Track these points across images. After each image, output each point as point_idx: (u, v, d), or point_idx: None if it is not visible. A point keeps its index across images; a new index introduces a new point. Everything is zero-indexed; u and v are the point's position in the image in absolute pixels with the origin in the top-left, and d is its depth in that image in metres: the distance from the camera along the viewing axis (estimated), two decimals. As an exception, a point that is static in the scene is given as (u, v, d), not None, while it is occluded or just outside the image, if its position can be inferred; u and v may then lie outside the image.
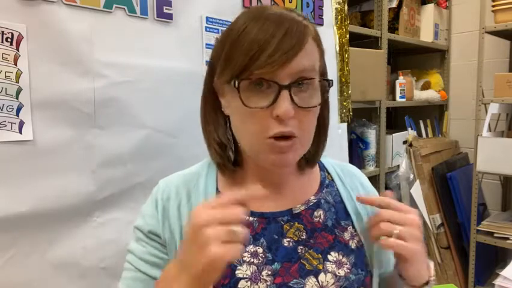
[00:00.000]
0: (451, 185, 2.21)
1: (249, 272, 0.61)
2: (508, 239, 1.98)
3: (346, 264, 0.65)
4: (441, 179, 2.21)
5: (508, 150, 1.92)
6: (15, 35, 0.82)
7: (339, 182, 0.73)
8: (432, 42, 2.38)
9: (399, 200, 2.23)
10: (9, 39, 0.81)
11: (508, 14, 1.93)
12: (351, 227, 0.69)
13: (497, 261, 2.35)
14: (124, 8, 0.97)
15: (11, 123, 0.82)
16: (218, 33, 1.16)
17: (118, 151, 0.97)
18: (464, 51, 2.48)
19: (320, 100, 0.61)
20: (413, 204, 2.18)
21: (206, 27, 1.13)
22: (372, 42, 2.05)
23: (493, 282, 1.59)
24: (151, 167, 1.03)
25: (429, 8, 2.35)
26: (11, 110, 0.82)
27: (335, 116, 1.58)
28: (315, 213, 0.68)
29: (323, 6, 1.49)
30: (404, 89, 2.21)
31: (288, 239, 0.64)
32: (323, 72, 0.65)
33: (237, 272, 0.61)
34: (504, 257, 2.25)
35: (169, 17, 1.05)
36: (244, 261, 0.61)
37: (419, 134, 2.45)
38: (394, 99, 2.22)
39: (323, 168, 0.74)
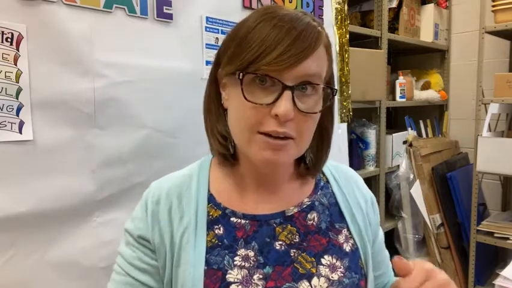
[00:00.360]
0: (451, 185, 2.21)
1: (240, 276, 0.60)
2: (508, 239, 1.98)
3: (340, 268, 0.64)
4: (441, 179, 2.21)
5: (508, 150, 1.92)
6: (15, 35, 0.82)
7: (335, 183, 0.72)
8: (432, 42, 2.38)
9: (399, 200, 2.23)
10: (9, 39, 0.81)
11: (508, 14, 1.93)
12: (345, 229, 0.68)
13: (497, 261, 2.35)
14: (124, 8, 0.97)
15: (11, 123, 0.82)
16: (218, 33, 1.16)
17: (118, 151, 0.97)
18: (464, 51, 2.48)
19: (321, 107, 0.60)
20: (413, 204, 2.18)
21: (206, 27, 1.13)
22: (372, 42, 2.05)
23: (493, 282, 1.59)
24: (151, 167, 1.02)
25: (429, 8, 2.35)
26: (11, 110, 0.82)
27: (335, 116, 1.57)
28: (309, 215, 0.67)
29: (323, 6, 1.49)
30: (404, 89, 2.21)
31: (280, 242, 0.63)
32: (329, 81, 0.64)
33: (227, 276, 0.59)
34: (504, 257, 2.25)
35: (169, 17, 1.05)
36: (235, 265, 0.60)
37: (419, 134, 2.45)
38: (394, 99, 2.22)
39: None
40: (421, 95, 2.37)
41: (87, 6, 0.90)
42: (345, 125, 1.64)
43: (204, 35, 1.13)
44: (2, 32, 0.80)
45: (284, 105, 0.54)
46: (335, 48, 1.57)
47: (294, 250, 0.63)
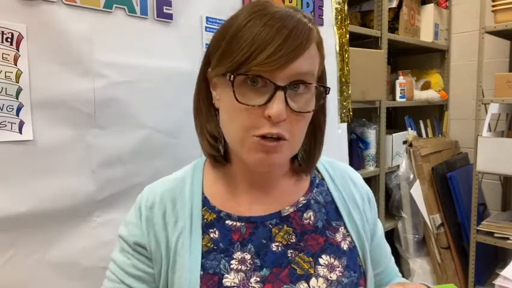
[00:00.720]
0: (451, 185, 2.21)
1: (236, 280, 0.59)
2: (508, 239, 1.98)
3: (338, 267, 0.63)
4: (441, 179, 2.21)
5: (508, 150, 1.92)
6: (15, 35, 0.82)
7: (330, 180, 0.71)
8: (432, 42, 2.38)
9: (399, 200, 2.23)
10: (9, 39, 0.81)
11: (508, 14, 1.93)
12: (342, 227, 0.67)
13: (497, 261, 2.35)
14: (124, 8, 0.97)
15: (11, 123, 0.82)
16: (218, 33, 1.15)
17: (118, 151, 0.97)
18: (464, 51, 2.48)
19: (314, 106, 0.59)
20: (413, 204, 2.18)
21: (206, 27, 1.13)
22: (372, 42, 2.05)
23: (493, 282, 1.59)
24: (151, 167, 1.02)
25: (429, 8, 2.35)
26: (11, 110, 0.82)
27: (335, 116, 1.58)
28: (305, 214, 0.66)
29: (323, 6, 1.49)
30: (404, 89, 2.21)
31: (277, 244, 0.62)
32: (321, 78, 0.63)
33: (224, 280, 0.59)
34: (504, 257, 2.25)
35: (169, 17, 1.05)
36: (231, 269, 0.60)
37: (419, 134, 2.45)
38: (394, 99, 2.22)
39: None
40: (421, 95, 2.37)
41: (87, 6, 0.90)
42: (345, 125, 1.64)
43: (204, 35, 1.13)
44: (2, 32, 0.80)
45: (277, 106, 0.53)
46: (335, 48, 1.57)
47: (291, 251, 0.62)
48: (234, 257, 0.61)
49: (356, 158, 2.01)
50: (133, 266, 0.63)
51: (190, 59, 1.09)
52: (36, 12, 0.84)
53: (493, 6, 1.98)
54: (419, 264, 2.21)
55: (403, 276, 0.84)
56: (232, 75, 0.54)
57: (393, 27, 2.19)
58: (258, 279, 0.60)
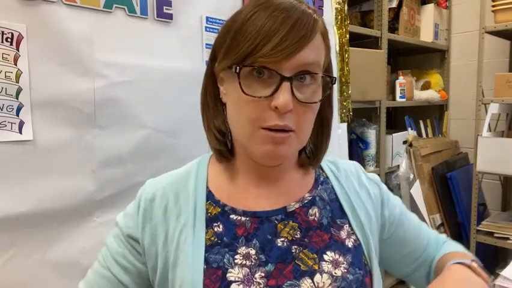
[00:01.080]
0: (451, 185, 2.21)
1: (241, 275, 0.58)
2: (508, 239, 1.98)
3: (343, 263, 0.62)
4: (441, 179, 2.21)
5: (508, 150, 1.92)
6: (15, 35, 0.82)
7: (334, 179, 0.71)
8: (432, 42, 2.38)
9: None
10: (9, 39, 0.81)
11: (508, 14, 1.93)
12: (347, 225, 0.67)
13: (497, 261, 2.34)
14: (124, 8, 0.97)
15: (11, 123, 0.82)
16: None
17: (118, 151, 0.97)
18: (464, 51, 2.48)
19: (321, 97, 0.59)
20: (413, 204, 2.18)
21: (206, 27, 1.13)
22: (372, 42, 2.05)
23: (493, 282, 1.59)
24: (151, 167, 1.02)
25: (429, 8, 2.35)
26: (11, 110, 0.82)
27: (335, 116, 1.57)
28: (310, 211, 0.65)
29: (323, 6, 1.49)
30: (404, 89, 2.21)
31: (282, 239, 0.62)
32: (327, 69, 0.63)
33: (228, 275, 0.58)
34: (504, 257, 2.25)
35: (169, 17, 1.05)
36: (235, 264, 0.59)
37: (419, 134, 2.45)
38: (394, 99, 2.22)
39: None
40: (421, 95, 2.37)
41: (87, 6, 0.90)
42: (345, 125, 1.64)
43: (204, 35, 1.13)
44: (2, 32, 0.80)
45: (283, 96, 0.53)
46: (335, 48, 1.57)
47: (296, 246, 0.62)
48: (239, 251, 0.60)
49: (356, 158, 2.01)
50: (123, 255, 0.64)
51: (190, 59, 1.09)
52: (36, 12, 0.84)
53: (493, 6, 1.98)
54: (419, 264, 2.21)
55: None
56: (238, 67, 0.54)
57: (393, 27, 2.19)
58: (263, 274, 0.59)
